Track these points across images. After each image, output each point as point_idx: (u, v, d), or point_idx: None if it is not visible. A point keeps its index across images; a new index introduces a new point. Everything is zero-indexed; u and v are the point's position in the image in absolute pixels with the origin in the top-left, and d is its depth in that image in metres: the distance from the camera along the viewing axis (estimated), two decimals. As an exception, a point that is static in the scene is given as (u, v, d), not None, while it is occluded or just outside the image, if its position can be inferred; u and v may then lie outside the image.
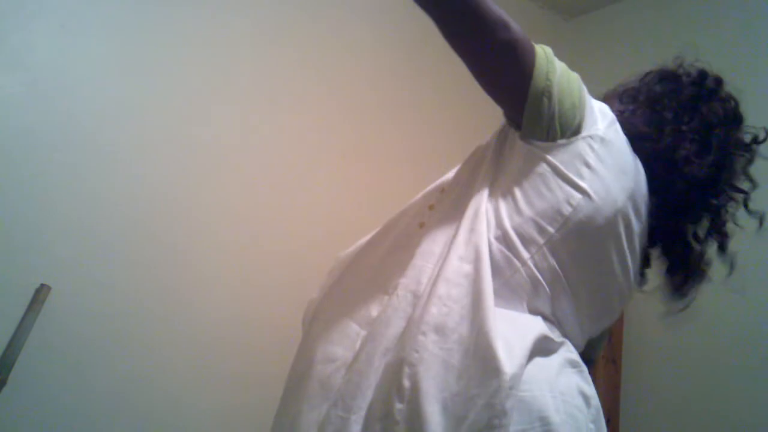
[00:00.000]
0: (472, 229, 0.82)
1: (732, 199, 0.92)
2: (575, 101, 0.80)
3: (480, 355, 0.73)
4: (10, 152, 1.35)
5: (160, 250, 1.51)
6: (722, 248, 0.92)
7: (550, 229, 0.81)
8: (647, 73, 0.99)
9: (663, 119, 0.90)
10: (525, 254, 0.81)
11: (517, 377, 0.72)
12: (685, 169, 0.88)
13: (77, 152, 1.43)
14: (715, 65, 1.97)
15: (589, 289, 0.86)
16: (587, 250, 0.84)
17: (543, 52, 0.81)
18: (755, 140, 0.95)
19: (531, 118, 0.80)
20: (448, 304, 0.77)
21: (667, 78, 0.97)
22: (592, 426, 0.81)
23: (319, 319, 0.94)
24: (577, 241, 0.82)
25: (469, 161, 0.92)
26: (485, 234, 0.80)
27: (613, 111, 0.88)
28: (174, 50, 1.58)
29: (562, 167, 0.80)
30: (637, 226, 0.87)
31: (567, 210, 0.81)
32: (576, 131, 0.80)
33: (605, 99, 0.95)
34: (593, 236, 0.83)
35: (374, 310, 0.84)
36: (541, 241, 0.81)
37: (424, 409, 0.70)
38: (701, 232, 0.92)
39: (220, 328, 1.56)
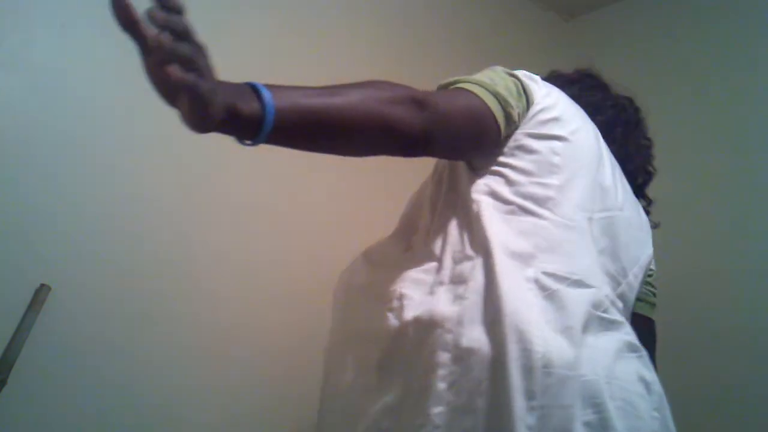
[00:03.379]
0: (468, 222, 0.85)
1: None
2: (516, 92, 0.90)
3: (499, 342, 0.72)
4: (9, 152, 1.35)
5: (161, 250, 1.51)
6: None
7: (554, 182, 0.86)
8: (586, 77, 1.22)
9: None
10: (545, 212, 0.85)
11: (551, 355, 0.71)
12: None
13: (78, 152, 1.43)
14: (714, 64, 2.00)
15: (599, 223, 0.91)
16: (586, 183, 0.91)
17: (476, 88, 0.86)
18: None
19: (506, 128, 0.88)
20: (463, 298, 0.77)
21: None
22: (656, 414, 0.80)
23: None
24: (579, 180, 0.89)
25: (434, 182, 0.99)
26: (488, 221, 0.83)
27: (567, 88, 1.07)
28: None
29: (535, 130, 0.89)
30: (609, 150, 1.02)
31: (556, 159, 0.88)
32: (528, 106, 0.90)
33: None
34: (586, 170, 0.92)
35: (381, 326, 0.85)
36: (552, 194, 0.85)
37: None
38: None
39: (220, 331, 1.56)
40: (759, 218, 1.85)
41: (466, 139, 0.85)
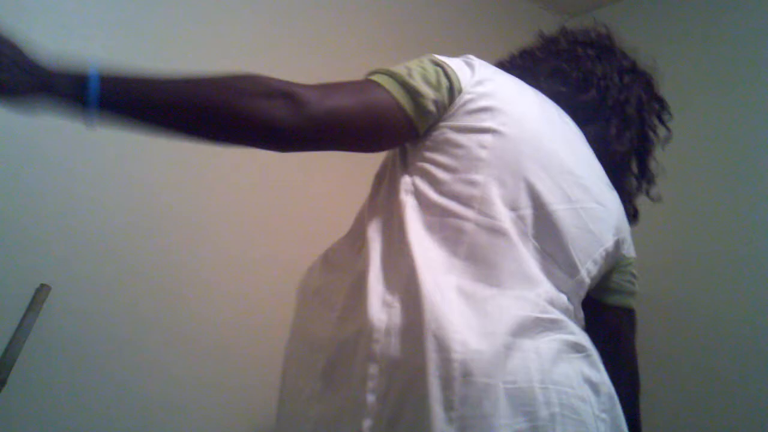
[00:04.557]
0: (398, 223, 0.81)
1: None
2: (436, 81, 0.84)
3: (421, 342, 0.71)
4: (9, 152, 1.35)
5: (160, 250, 1.51)
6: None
7: (479, 178, 0.81)
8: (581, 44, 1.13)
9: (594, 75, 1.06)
10: (469, 212, 0.80)
11: (471, 363, 0.69)
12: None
13: (77, 152, 1.43)
14: (714, 63, 1.99)
15: (539, 218, 0.84)
16: (519, 178, 0.84)
17: (382, 79, 0.84)
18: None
19: (421, 119, 0.83)
20: (389, 306, 0.76)
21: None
22: (604, 416, 0.77)
23: (290, 357, 0.95)
24: (508, 175, 0.83)
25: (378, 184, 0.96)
26: (411, 227, 0.80)
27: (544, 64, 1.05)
28: (175, 50, 1.58)
29: (461, 122, 0.83)
30: (569, 133, 0.94)
31: (483, 153, 0.82)
32: (453, 96, 0.84)
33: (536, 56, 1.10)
34: (520, 164, 0.84)
35: (325, 332, 0.83)
36: (476, 192, 0.81)
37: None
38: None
39: (219, 331, 1.57)
40: (760, 211, 1.85)
41: (362, 133, 0.81)
